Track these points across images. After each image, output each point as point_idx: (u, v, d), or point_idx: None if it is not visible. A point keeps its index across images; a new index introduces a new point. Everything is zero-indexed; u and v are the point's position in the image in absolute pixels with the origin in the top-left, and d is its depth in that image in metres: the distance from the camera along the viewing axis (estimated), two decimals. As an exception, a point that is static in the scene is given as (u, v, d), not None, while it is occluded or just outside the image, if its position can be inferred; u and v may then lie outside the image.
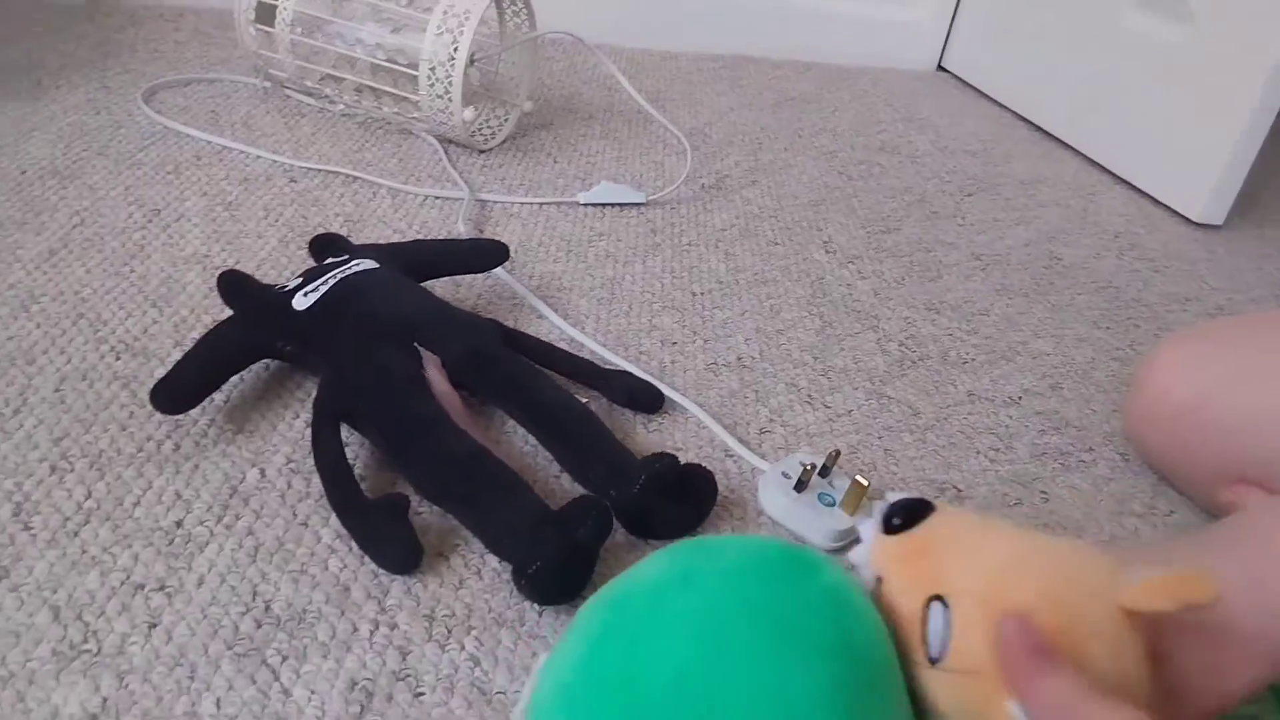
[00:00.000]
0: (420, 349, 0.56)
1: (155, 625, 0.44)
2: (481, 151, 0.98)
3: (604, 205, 0.90)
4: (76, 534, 0.48)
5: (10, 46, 1.04)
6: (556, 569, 0.45)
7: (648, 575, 0.34)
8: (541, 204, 0.89)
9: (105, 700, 0.40)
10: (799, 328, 0.75)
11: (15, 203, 0.76)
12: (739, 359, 0.70)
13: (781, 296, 0.79)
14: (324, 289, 0.58)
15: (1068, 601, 0.32)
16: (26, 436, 0.54)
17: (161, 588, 0.46)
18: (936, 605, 0.33)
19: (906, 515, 0.36)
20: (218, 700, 0.41)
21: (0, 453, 0.52)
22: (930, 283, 0.86)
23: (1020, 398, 0.71)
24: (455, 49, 0.88)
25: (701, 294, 0.78)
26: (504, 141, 1.01)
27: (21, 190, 0.78)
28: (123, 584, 0.46)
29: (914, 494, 0.38)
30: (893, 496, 0.38)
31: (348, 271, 0.59)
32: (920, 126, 1.27)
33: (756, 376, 0.68)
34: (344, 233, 0.77)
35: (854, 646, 0.32)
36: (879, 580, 0.35)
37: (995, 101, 1.42)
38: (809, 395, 0.67)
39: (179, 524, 0.49)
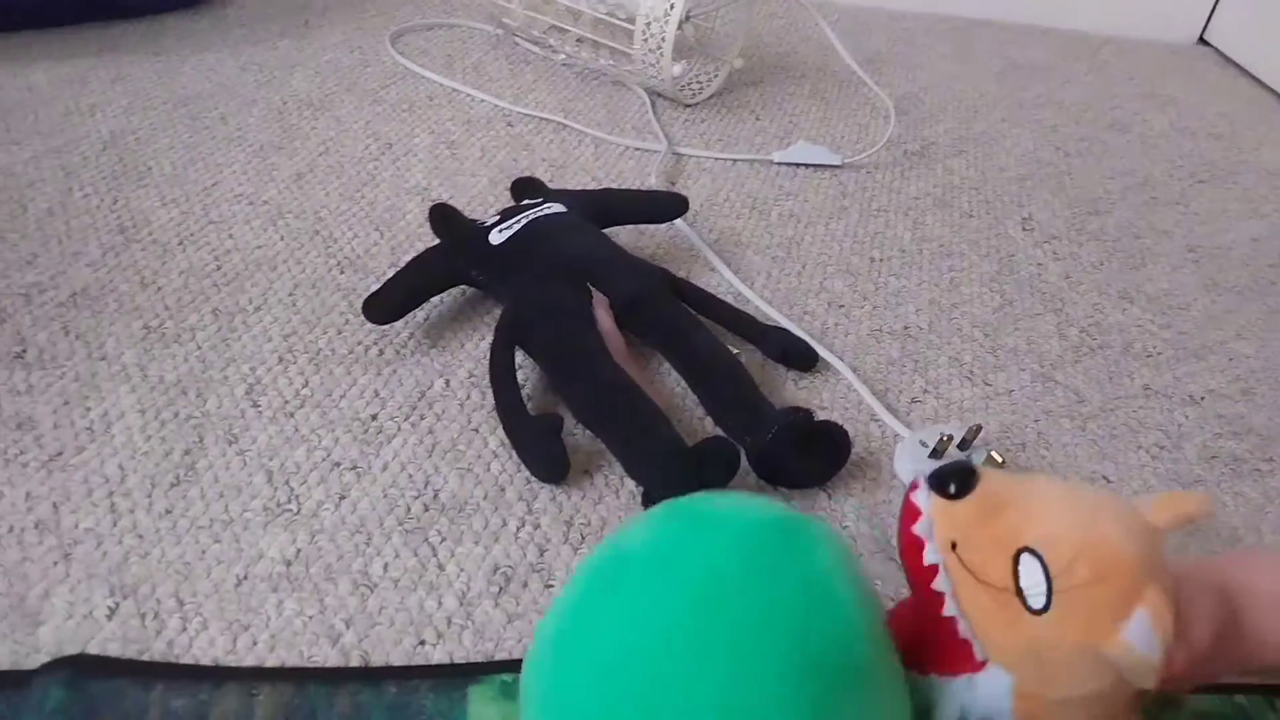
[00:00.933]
0: (592, 289, 0.61)
1: (344, 497, 0.52)
2: (688, 105, 1.02)
3: (798, 165, 0.92)
4: (292, 415, 0.57)
5: (289, -11, 1.18)
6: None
7: (639, 545, 0.34)
8: (735, 160, 0.92)
9: (299, 551, 0.49)
10: (976, 303, 0.75)
11: (276, 129, 0.87)
12: (905, 328, 0.71)
13: (964, 270, 0.79)
14: (516, 227, 0.64)
15: (1137, 534, 0.34)
16: (263, 330, 0.63)
17: (353, 467, 0.54)
18: (1027, 557, 0.34)
19: (961, 480, 0.36)
20: (385, 565, 0.48)
21: (241, 342, 0.62)
22: (1131, 271, 0.82)
23: (1203, 398, 0.68)
24: (671, 6, 0.92)
25: (880, 260, 0.79)
26: (711, 96, 1.04)
27: (282, 118, 0.89)
28: (323, 460, 0.54)
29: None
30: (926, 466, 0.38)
31: (538, 214, 0.65)
32: (1161, 104, 1.19)
33: (920, 347, 0.69)
34: (547, 177, 0.84)
35: (823, 652, 0.31)
36: (953, 545, 0.36)
37: (1259, 81, 1.30)
38: (971, 370, 0.67)
39: (374, 417, 0.57)
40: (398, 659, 0.44)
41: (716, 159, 0.92)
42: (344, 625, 0.45)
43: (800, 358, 0.64)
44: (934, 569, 0.36)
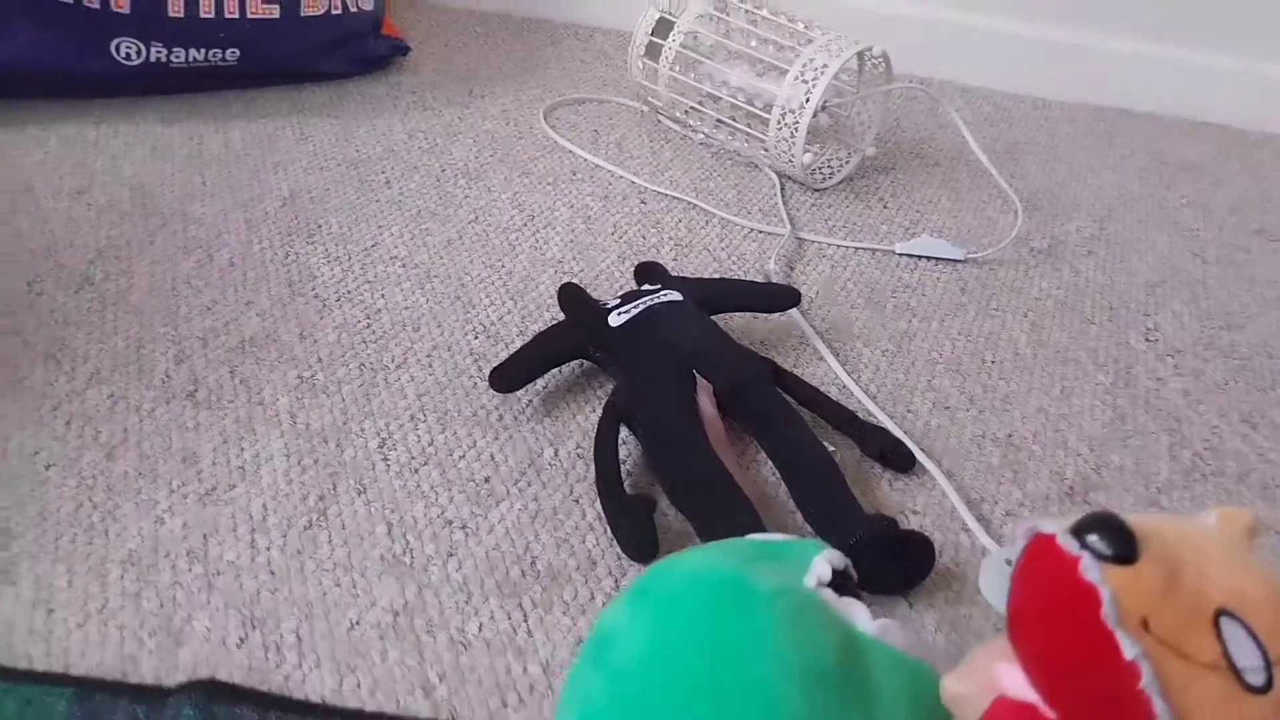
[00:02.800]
0: (697, 375, 0.65)
1: (452, 555, 0.57)
2: (817, 190, 1.05)
3: (919, 258, 0.94)
4: (416, 471, 0.63)
5: (457, 55, 1.27)
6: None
7: (617, 622, 0.39)
8: (856, 248, 0.94)
9: (407, 603, 0.54)
10: (1086, 415, 0.75)
11: (433, 196, 0.95)
12: (1009, 436, 0.72)
13: (1078, 380, 0.79)
14: (634, 311, 0.69)
15: None
16: (400, 388, 0.70)
17: (463, 527, 0.59)
18: (1228, 622, 0.29)
19: (1126, 539, 0.30)
20: (480, 625, 0.53)
21: (380, 397, 0.69)
22: (1259, 393, 0.81)
23: (1317, 537, 0.66)
24: (807, 98, 0.96)
25: (992, 362, 0.80)
26: (841, 181, 1.07)
27: (440, 185, 0.97)
28: (438, 517, 0.60)
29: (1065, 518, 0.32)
30: (1047, 525, 0.32)
31: (655, 300, 0.70)
32: (1318, 211, 1.15)
33: (1022, 457, 0.70)
34: (672, 255, 0.89)
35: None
36: (1144, 622, 0.30)
37: None
38: (1072, 487, 0.68)
39: (487, 479, 0.63)
40: (481, 717, 0.49)
41: (838, 246, 0.95)
42: (438, 679, 0.50)
43: (898, 459, 0.66)
44: (1137, 667, 0.29)
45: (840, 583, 0.41)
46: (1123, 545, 0.30)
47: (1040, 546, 0.31)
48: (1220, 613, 0.29)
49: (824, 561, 0.40)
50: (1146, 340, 0.86)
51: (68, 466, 0.61)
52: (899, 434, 0.68)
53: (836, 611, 0.38)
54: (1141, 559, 0.30)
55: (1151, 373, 0.81)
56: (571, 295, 0.74)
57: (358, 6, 1.08)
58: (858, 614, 0.38)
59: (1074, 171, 1.17)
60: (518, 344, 0.72)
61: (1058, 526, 0.31)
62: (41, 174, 0.89)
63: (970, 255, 0.94)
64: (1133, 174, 1.19)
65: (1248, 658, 0.29)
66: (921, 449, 0.68)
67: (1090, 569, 0.30)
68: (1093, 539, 0.30)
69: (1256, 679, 0.29)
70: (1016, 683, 0.32)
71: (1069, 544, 0.31)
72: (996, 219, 1.04)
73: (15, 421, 0.64)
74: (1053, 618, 0.31)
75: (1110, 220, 1.07)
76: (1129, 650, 0.29)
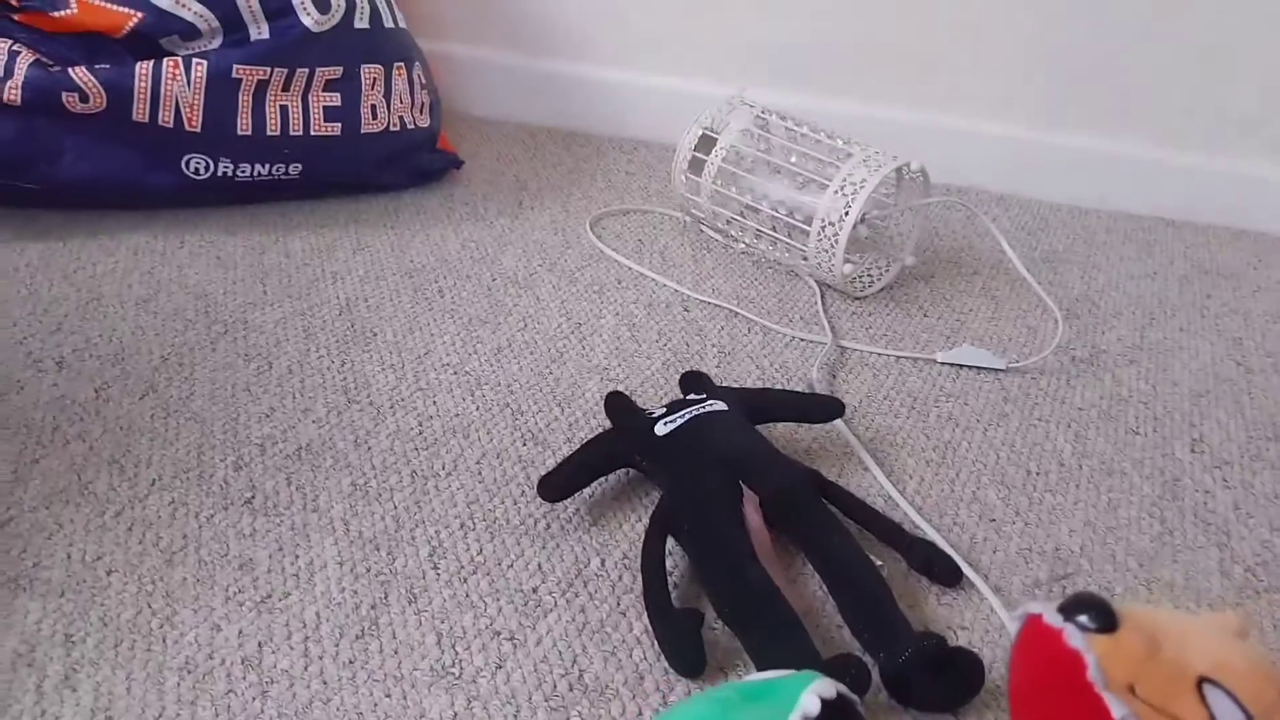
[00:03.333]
0: (744, 486, 0.66)
1: (501, 667, 0.58)
2: (857, 298, 1.07)
3: (961, 366, 0.95)
4: (465, 580, 0.64)
5: (507, 167, 1.33)
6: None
7: None
8: (898, 357, 0.96)
9: (455, 715, 0.55)
10: (1134, 529, 0.75)
11: (484, 304, 0.98)
12: (1056, 549, 0.71)
13: (1125, 492, 0.79)
14: (680, 421, 0.71)
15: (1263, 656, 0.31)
16: (450, 496, 0.72)
17: (511, 638, 0.60)
18: (1211, 689, 0.31)
19: (1106, 611, 0.32)
20: (529, 738, 0.53)
21: (431, 505, 0.70)
22: (1311, 505, 0.80)
23: (1380, 659, 0.64)
24: (846, 211, 0.99)
25: (1037, 474, 0.80)
26: (881, 290, 1.09)
27: (491, 294, 1.00)
28: (487, 628, 0.60)
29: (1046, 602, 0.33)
30: (1036, 607, 0.33)
31: (701, 410, 0.72)
32: (1363, 319, 1.14)
33: (1069, 572, 0.69)
34: (715, 363, 0.90)
35: None
36: (1130, 687, 0.31)
37: None
38: (1121, 603, 0.67)
39: (534, 590, 0.64)
40: (530, 832, 0.49)
41: (880, 354, 0.96)
42: (487, 792, 0.50)
43: (944, 573, 0.66)
44: None
45: (837, 709, 0.40)
46: (1103, 617, 0.33)
47: (1030, 626, 0.33)
48: (1203, 680, 0.31)
49: (812, 696, 0.39)
50: (1193, 451, 0.85)
51: (129, 572, 0.63)
52: (945, 547, 0.68)
53: None
54: (1122, 629, 0.32)
55: (1199, 484, 0.81)
56: (618, 404, 0.75)
57: (414, 124, 1.13)
58: None
59: (1113, 280, 1.18)
60: (565, 450, 0.73)
61: (1045, 607, 0.33)
62: (110, 282, 0.94)
63: (1012, 364, 0.95)
64: (1173, 282, 1.20)
65: (1231, 715, 0.30)
66: (968, 563, 0.68)
67: (1074, 637, 0.32)
68: (1076, 614, 0.32)
69: None
70: None
71: (1054, 620, 0.33)
72: (1037, 327, 1.05)
73: (80, 527, 0.66)
74: (1044, 688, 0.32)
75: (1151, 328, 1.07)
76: (1117, 711, 0.30)
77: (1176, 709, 0.31)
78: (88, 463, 0.71)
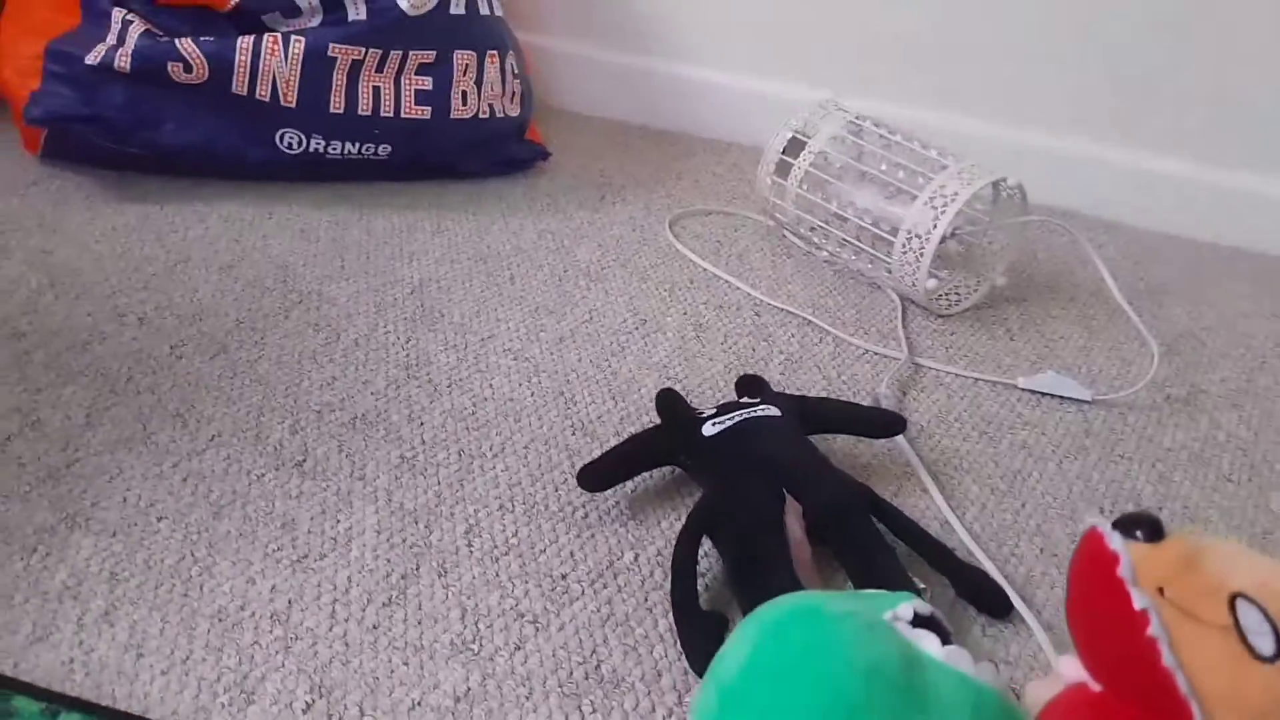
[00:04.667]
0: (788, 495, 0.64)
1: (520, 648, 0.57)
2: (941, 316, 1.03)
3: (1043, 394, 0.91)
4: (496, 560, 0.64)
5: (594, 162, 1.33)
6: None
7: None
8: (976, 379, 0.92)
9: (469, 690, 0.54)
10: (1210, 577, 0.70)
11: (553, 294, 0.98)
12: (1120, 589, 0.67)
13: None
14: (729, 423, 0.69)
15: None
16: (494, 477, 0.72)
17: (534, 621, 0.59)
18: (1243, 602, 0.32)
19: (1154, 527, 0.35)
20: (537, 723, 0.53)
21: (474, 483, 0.70)
22: None
23: None
24: (935, 224, 0.95)
25: (1110, 513, 0.76)
26: (967, 309, 1.05)
27: (561, 285, 1.00)
28: (511, 609, 0.60)
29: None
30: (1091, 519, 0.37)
31: (752, 414, 0.70)
32: None
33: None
34: (780, 370, 0.88)
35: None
36: (1160, 590, 0.33)
37: None
38: (1183, 652, 0.62)
39: (564, 577, 0.63)
40: (525, 816, 0.48)
41: (957, 375, 0.92)
42: (488, 771, 0.50)
43: (993, 604, 0.63)
44: (1145, 615, 0.33)
45: (927, 622, 0.44)
46: (1149, 530, 0.35)
47: (1086, 538, 0.36)
48: (1238, 595, 0.32)
49: (908, 605, 0.44)
50: (1290, 504, 0.79)
51: (177, 521, 0.64)
52: (998, 578, 0.65)
53: (905, 637, 0.42)
54: (1167, 542, 0.34)
55: (1292, 540, 0.75)
56: (669, 401, 0.74)
57: (504, 112, 1.14)
58: (927, 642, 0.42)
59: (1224, 318, 1.11)
60: (613, 444, 0.72)
61: (1102, 520, 0.36)
62: (199, 247, 0.97)
63: (1099, 397, 0.90)
64: (1289, 324, 1.12)
65: (1257, 626, 0.32)
66: (1021, 597, 0.64)
67: (1113, 539, 0.35)
68: (1127, 526, 0.35)
69: (1265, 646, 0.31)
70: (1073, 669, 0.36)
71: (1105, 529, 0.35)
72: (1132, 361, 0.99)
73: (139, 474, 0.68)
74: (1083, 587, 0.35)
75: (1261, 372, 1.00)
76: (1138, 601, 0.33)
77: (1202, 611, 0.33)
78: (154, 414, 0.74)
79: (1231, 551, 0.35)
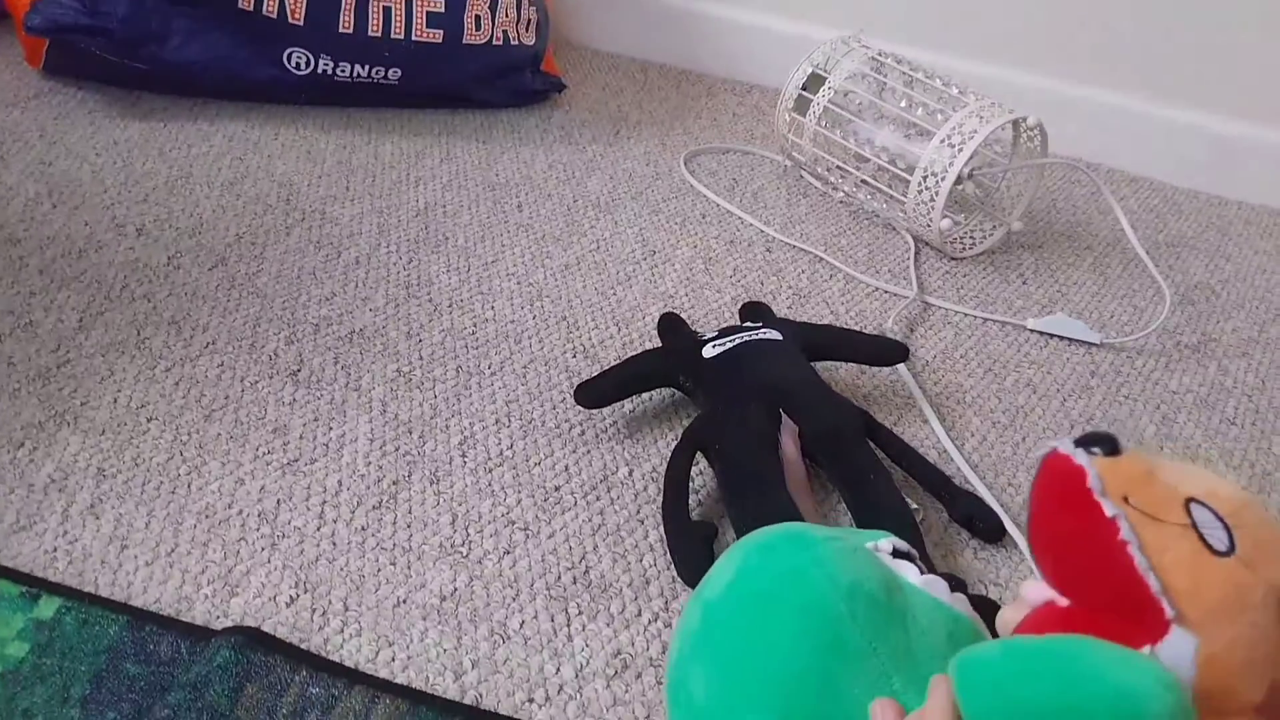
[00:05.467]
0: (785, 416, 0.63)
1: (509, 553, 0.57)
2: (954, 258, 1.02)
3: (1052, 336, 0.89)
4: (490, 471, 0.63)
5: (611, 98, 1.31)
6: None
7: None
8: (985, 319, 0.90)
9: (455, 590, 0.54)
10: (1213, 516, 0.69)
11: (561, 223, 0.97)
12: (1120, 524, 0.66)
13: (1210, 478, 0.72)
14: (729, 345, 0.68)
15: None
16: (491, 394, 0.71)
17: (525, 528, 0.59)
18: (1196, 505, 0.35)
19: (1112, 443, 0.37)
20: (522, 622, 0.52)
21: (470, 399, 0.70)
22: None
23: None
24: (951, 163, 0.94)
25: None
26: (981, 253, 1.03)
27: (569, 214, 0.99)
28: (502, 516, 0.60)
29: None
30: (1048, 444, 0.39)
31: (752, 336, 0.69)
32: None
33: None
34: (787, 304, 0.87)
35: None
36: (1125, 498, 0.35)
37: None
38: (1181, 585, 0.62)
39: (558, 488, 0.62)
40: (506, 709, 0.47)
41: (965, 314, 0.91)
42: (470, 665, 0.49)
43: (987, 528, 0.62)
44: (1115, 522, 0.35)
45: (903, 557, 0.45)
46: (1109, 444, 0.37)
47: (1050, 459, 0.37)
48: (1190, 499, 0.35)
49: (888, 540, 0.45)
50: (1296, 448, 0.78)
51: (168, 421, 0.64)
52: (994, 505, 0.64)
53: (886, 563, 0.43)
54: (1125, 456, 0.36)
55: (1297, 484, 0.74)
56: (670, 324, 0.73)
57: (519, 40, 1.12)
58: (906, 570, 0.43)
59: (1241, 272, 1.09)
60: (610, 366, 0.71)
61: (1061, 441, 0.38)
62: (202, 164, 0.96)
63: (1108, 341, 0.89)
64: (1308, 281, 1.10)
65: (1210, 524, 0.34)
66: (1015, 524, 0.64)
67: (1078, 455, 0.36)
68: (1086, 444, 0.37)
69: (1219, 542, 0.34)
70: (1038, 592, 0.37)
71: (1067, 448, 0.37)
72: (1144, 309, 0.97)
73: (131, 376, 0.68)
74: (1050, 503, 0.36)
75: (1275, 324, 0.98)
76: (1109, 509, 0.35)
77: (1162, 515, 0.35)
78: (148, 321, 0.73)
79: (1179, 466, 0.37)
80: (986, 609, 0.53)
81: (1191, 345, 0.92)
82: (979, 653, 0.34)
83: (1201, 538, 0.34)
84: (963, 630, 0.41)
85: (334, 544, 0.56)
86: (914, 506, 0.59)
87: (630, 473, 0.64)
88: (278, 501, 0.59)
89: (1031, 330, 0.89)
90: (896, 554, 0.45)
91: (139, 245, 0.82)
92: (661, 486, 0.62)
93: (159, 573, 0.53)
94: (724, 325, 0.72)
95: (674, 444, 0.67)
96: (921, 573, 0.44)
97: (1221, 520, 0.35)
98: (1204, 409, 0.82)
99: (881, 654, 0.38)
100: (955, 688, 0.33)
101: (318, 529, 0.57)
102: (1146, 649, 0.34)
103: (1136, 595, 0.34)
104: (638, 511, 0.61)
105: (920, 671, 0.38)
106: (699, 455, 0.63)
